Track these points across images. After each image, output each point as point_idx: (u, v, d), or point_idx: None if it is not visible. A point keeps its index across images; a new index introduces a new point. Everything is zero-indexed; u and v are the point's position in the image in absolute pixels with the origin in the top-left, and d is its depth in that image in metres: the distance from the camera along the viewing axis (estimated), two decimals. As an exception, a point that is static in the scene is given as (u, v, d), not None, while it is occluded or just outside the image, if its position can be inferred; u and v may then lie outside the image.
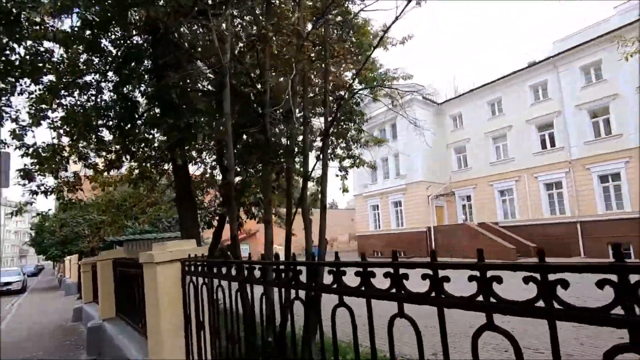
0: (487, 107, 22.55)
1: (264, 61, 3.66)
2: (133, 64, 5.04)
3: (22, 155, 5.21)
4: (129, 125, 5.21)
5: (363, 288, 1.24)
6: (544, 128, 20.00)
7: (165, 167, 6.53)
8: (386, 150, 17.13)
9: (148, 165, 5.90)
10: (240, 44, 4.67)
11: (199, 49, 4.16)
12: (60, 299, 15.21)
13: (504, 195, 21.70)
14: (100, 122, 5.50)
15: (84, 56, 5.56)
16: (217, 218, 7.41)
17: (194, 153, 6.13)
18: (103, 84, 5.71)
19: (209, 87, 5.39)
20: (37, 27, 4.81)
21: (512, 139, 21.11)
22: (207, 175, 8.38)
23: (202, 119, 4.47)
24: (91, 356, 5.71)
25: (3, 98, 4.96)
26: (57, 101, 5.57)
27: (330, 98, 5.10)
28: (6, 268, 26.33)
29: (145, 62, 4.98)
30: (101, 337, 5.56)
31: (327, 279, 1.42)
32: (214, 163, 8.40)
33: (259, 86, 4.36)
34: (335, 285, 1.35)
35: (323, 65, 4.26)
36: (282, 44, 4.17)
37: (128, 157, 5.45)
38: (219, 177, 8.71)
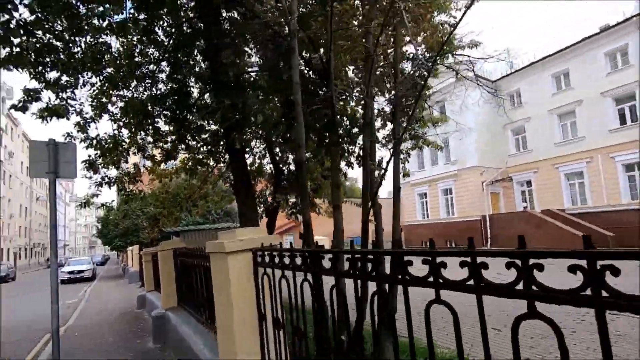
0: (551, 81, 20.18)
1: (330, 26, 3.17)
2: (185, 48, 4.85)
3: (87, 147, 5.30)
4: (184, 113, 5.06)
5: (472, 282, 1.07)
6: (623, 100, 17.41)
7: (219, 156, 6.40)
8: (435, 134, 15.96)
9: (202, 153, 5.77)
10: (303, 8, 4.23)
11: (260, 13, 3.78)
12: (125, 286, 16.31)
13: (571, 179, 19.45)
14: (156, 111, 5.42)
15: (138, 47, 5.54)
16: (270, 208, 7.19)
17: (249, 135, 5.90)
18: (158, 75, 5.70)
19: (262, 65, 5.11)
20: (96, 19, 4.79)
21: (582, 116, 18.72)
22: (256, 165, 8.21)
23: (260, 97, 4.13)
24: (157, 344, 5.77)
25: (68, 91, 5.03)
26: (116, 93, 5.61)
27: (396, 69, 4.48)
28: (78, 258, 29.20)
29: (199, 42, 4.75)
30: (165, 326, 5.57)
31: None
32: (263, 152, 8.18)
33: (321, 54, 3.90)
34: (431, 278, 1.18)
35: (393, 31, 3.69)
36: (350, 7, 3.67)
37: (183, 146, 5.33)
38: (268, 167, 8.53)
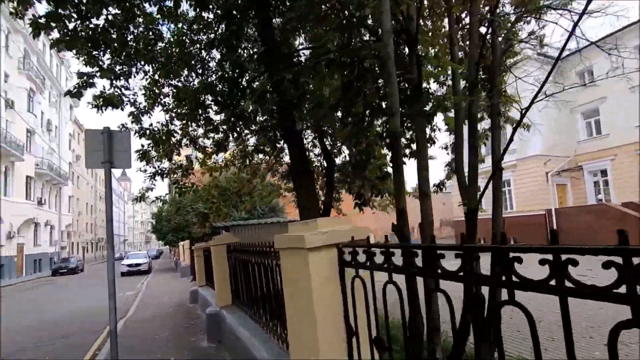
0: (634, 53, 17.43)
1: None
2: (237, 25, 4.46)
3: (140, 136, 5.15)
4: (236, 98, 4.68)
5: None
6: None
7: (271, 145, 6.02)
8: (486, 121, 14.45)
9: (253, 145, 5.41)
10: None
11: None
12: (177, 280, 16.90)
13: (660, 167, 16.72)
14: (208, 100, 5.13)
15: (189, 35, 5.32)
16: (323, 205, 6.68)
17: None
18: (209, 63, 5.45)
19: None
20: (147, 4, 4.60)
21: (674, 92, 15.97)
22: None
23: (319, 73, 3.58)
24: (211, 343, 5.52)
25: (121, 79, 4.89)
26: (168, 82, 5.42)
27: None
28: (136, 252, 31.33)
29: (251, 17, 4.33)
30: (220, 325, 5.29)
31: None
32: (313, 142, 7.68)
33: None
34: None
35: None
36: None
37: (234, 135, 4.98)
38: (316, 158, 8.02)
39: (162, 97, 5.23)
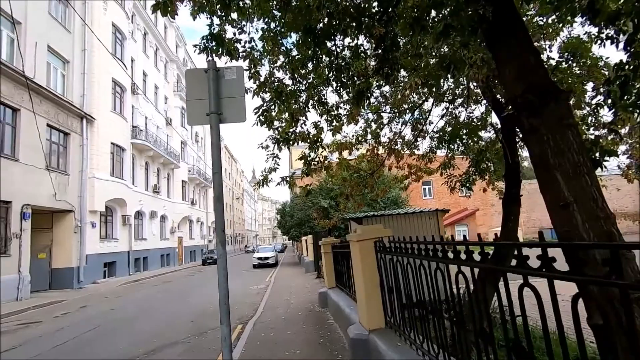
0: None
1: None
2: None
3: (258, 88, 3.96)
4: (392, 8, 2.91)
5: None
6: None
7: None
8: None
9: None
10: None
11: None
12: (302, 275, 16.59)
13: None
14: (341, 26, 3.47)
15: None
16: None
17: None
18: None
19: None
20: None
21: None
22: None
23: None
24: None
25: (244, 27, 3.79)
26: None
27: None
28: (264, 246, 33.99)
29: None
30: (371, 356, 3.61)
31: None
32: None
33: None
34: None
35: None
36: None
37: (388, 70, 3.20)
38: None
39: (281, 38, 3.95)
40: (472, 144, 5.51)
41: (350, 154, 6.21)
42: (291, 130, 4.15)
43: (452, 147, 5.57)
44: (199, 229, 38.83)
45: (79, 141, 17.15)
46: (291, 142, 4.30)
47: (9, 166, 12.63)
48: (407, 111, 6.35)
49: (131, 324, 7.96)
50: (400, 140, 6.46)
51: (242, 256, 42.76)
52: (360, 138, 5.96)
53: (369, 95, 3.65)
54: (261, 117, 3.98)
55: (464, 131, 5.17)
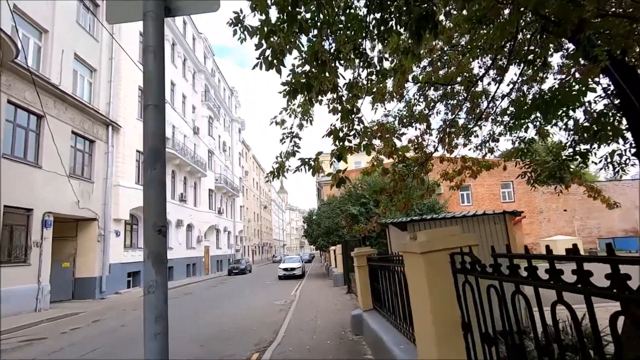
0: None
1: None
2: None
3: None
4: None
5: None
6: None
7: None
8: None
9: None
10: None
11: None
12: (330, 289, 15.14)
13: None
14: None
15: None
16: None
17: None
18: None
19: None
20: None
21: None
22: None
23: None
24: None
25: None
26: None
27: None
28: (291, 256, 32.80)
29: None
30: None
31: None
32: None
33: None
34: None
35: None
36: None
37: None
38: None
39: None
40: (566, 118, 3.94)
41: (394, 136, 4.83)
42: (312, 70, 2.80)
43: (541, 121, 4.04)
44: (226, 238, 38.49)
45: (104, 148, 17.01)
46: (315, 94, 2.95)
47: (32, 173, 12.42)
48: (462, 87, 4.93)
49: (136, 344, 6.94)
50: (454, 126, 5.01)
51: (269, 266, 41.88)
52: (405, 120, 4.61)
53: (434, 23, 2.31)
54: (265, 45, 2.59)
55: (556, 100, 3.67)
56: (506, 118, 4.83)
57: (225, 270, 32.35)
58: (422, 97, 4.78)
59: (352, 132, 3.54)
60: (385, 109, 4.23)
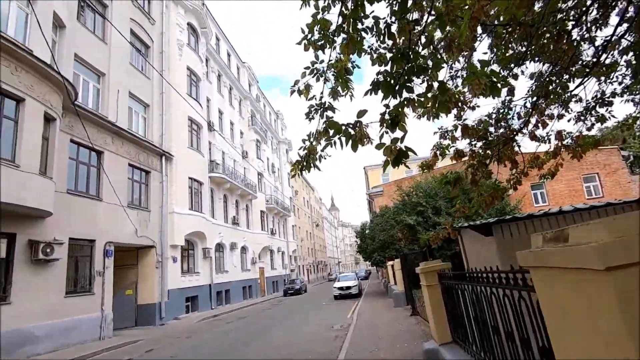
0: None
1: None
2: None
3: None
4: None
5: None
6: None
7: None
8: None
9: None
10: None
11: None
12: (391, 310, 13.58)
13: None
14: None
15: None
16: None
17: None
18: None
19: None
20: None
21: None
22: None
23: None
24: None
25: None
26: None
27: None
28: (346, 273, 31.35)
29: None
30: None
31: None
32: None
33: None
34: None
35: None
36: None
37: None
38: None
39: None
40: None
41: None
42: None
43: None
44: (280, 258, 38.37)
45: (159, 178, 17.78)
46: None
47: (94, 205, 13.14)
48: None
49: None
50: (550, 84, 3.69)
51: (324, 285, 40.71)
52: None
53: None
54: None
55: None
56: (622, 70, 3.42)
57: (281, 291, 31.93)
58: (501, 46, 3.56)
59: (422, 79, 2.40)
60: (454, 66, 3.11)
